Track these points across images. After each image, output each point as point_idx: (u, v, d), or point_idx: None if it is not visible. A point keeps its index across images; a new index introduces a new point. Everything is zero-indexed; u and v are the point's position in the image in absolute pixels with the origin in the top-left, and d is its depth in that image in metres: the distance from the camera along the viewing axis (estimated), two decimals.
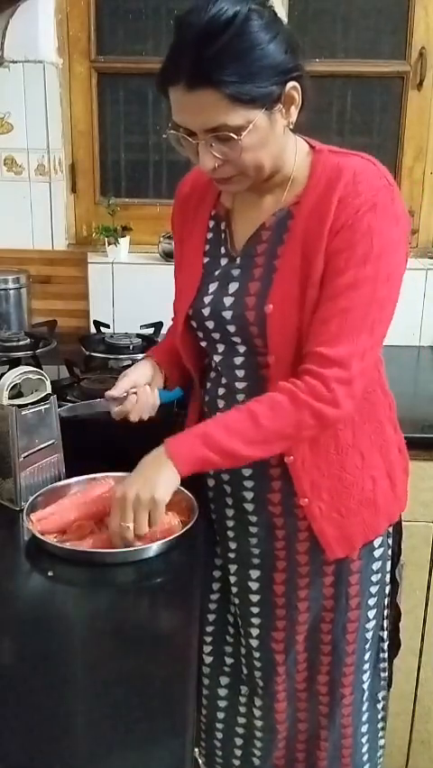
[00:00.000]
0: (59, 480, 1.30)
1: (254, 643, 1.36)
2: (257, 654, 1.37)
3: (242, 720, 1.46)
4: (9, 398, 1.24)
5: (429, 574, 1.71)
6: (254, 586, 1.33)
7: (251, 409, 1.10)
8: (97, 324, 2.10)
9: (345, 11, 2.15)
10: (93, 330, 2.12)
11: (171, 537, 1.13)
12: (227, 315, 1.19)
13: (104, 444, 1.36)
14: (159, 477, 1.09)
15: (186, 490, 1.24)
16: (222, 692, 1.46)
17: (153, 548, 1.11)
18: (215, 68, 0.99)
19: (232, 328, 1.20)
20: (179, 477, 1.10)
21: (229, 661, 1.44)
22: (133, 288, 2.19)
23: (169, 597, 1.06)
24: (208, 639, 1.44)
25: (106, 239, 2.21)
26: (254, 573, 1.32)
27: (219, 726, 1.48)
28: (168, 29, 2.21)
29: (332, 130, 2.23)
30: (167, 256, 2.17)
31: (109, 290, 2.22)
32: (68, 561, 1.11)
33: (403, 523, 1.37)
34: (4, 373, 1.29)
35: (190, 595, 1.06)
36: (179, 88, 1.03)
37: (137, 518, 1.08)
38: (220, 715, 1.48)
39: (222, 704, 1.47)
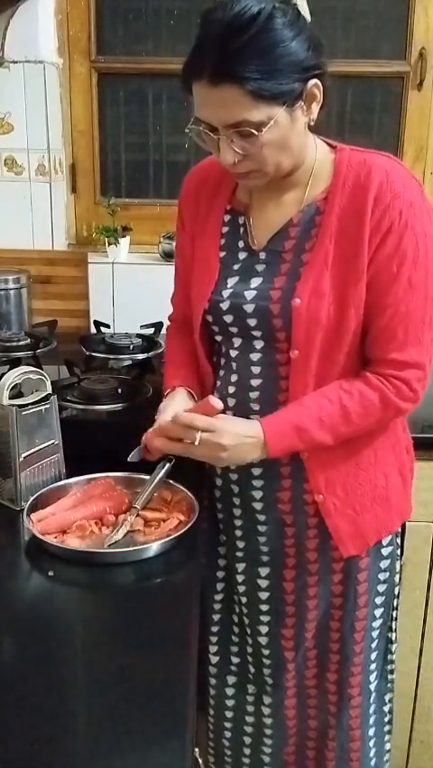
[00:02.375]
0: (59, 480, 1.30)
1: (263, 640, 1.36)
2: (266, 652, 1.37)
3: (250, 719, 1.46)
4: (9, 398, 1.24)
5: (429, 574, 1.70)
6: (263, 583, 1.33)
7: (344, 405, 1.15)
8: (97, 324, 2.10)
9: (346, 11, 2.15)
10: (93, 330, 2.12)
11: (171, 537, 1.13)
12: (249, 308, 1.19)
13: (104, 445, 1.36)
14: (244, 455, 1.14)
15: (186, 490, 1.24)
16: (229, 692, 1.46)
17: (153, 548, 1.11)
18: (238, 63, 1.00)
19: (252, 321, 1.19)
20: (263, 457, 1.16)
21: (235, 660, 1.44)
22: (133, 288, 2.19)
23: (169, 597, 1.06)
24: (214, 639, 1.44)
25: (106, 239, 2.21)
26: (263, 571, 1.32)
27: (228, 725, 1.48)
28: (168, 29, 2.21)
29: (332, 130, 2.22)
30: (167, 256, 2.17)
31: (109, 290, 2.22)
32: (68, 561, 1.11)
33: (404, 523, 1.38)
34: (5, 373, 1.29)
35: (190, 595, 1.06)
36: (203, 83, 1.03)
37: (203, 450, 1.12)
38: (228, 714, 1.47)
39: (230, 703, 1.47)
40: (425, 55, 2.14)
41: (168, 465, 1.23)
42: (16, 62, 2.10)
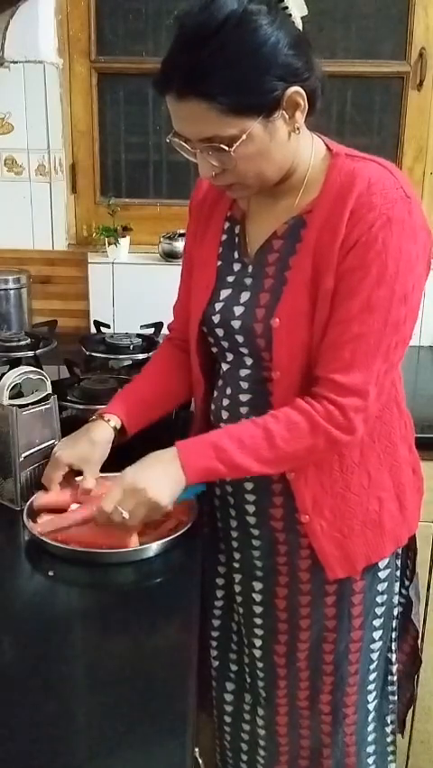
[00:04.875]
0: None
1: (257, 653, 1.34)
2: (260, 664, 1.35)
3: (246, 727, 1.44)
4: (9, 398, 1.24)
5: (429, 574, 1.70)
6: (258, 597, 1.30)
7: (268, 428, 1.07)
8: (98, 324, 2.10)
9: (346, 11, 2.15)
10: (93, 330, 2.12)
11: (171, 537, 1.13)
12: (236, 324, 1.16)
13: None
14: (167, 480, 1.07)
15: None
16: (228, 698, 1.45)
17: (153, 548, 1.11)
18: (203, 78, 0.96)
19: (240, 338, 1.17)
20: (184, 484, 1.08)
21: (234, 668, 1.43)
22: (133, 288, 2.19)
23: (169, 597, 1.06)
24: (214, 644, 1.43)
25: (107, 239, 2.21)
26: (257, 585, 1.30)
27: (227, 729, 1.47)
28: (168, 29, 2.20)
29: (332, 130, 2.22)
30: (167, 256, 2.17)
31: (109, 290, 2.22)
32: (68, 561, 1.11)
33: None
34: (5, 373, 1.29)
35: (190, 595, 1.06)
36: (171, 97, 1.00)
37: (134, 512, 1.06)
38: (228, 719, 1.46)
39: (228, 708, 1.46)
40: (425, 55, 2.14)
41: None
42: (16, 62, 2.09)
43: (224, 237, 1.23)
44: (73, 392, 1.58)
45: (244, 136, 1.00)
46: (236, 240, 1.21)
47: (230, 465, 1.07)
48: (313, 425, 1.07)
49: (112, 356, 1.89)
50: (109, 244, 2.21)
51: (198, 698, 1.48)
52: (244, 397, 1.20)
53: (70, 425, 1.33)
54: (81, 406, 1.53)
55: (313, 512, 1.18)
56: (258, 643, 1.34)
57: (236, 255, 1.20)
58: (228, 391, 1.22)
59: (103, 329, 2.08)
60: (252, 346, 1.16)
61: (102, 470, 1.26)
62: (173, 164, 2.28)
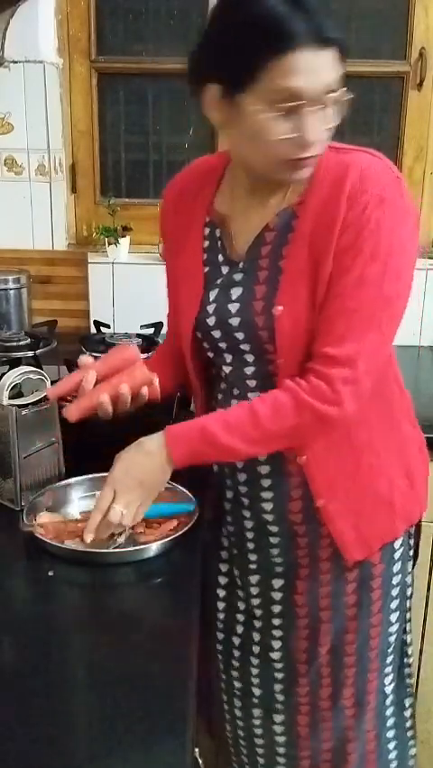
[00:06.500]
0: (60, 479, 1.30)
1: (276, 655, 1.33)
2: (278, 666, 1.33)
3: (259, 741, 1.41)
4: (9, 398, 1.24)
5: (429, 574, 1.70)
6: (277, 596, 1.29)
7: (253, 408, 1.09)
8: (97, 324, 2.10)
9: (346, 11, 2.15)
10: (93, 330, 2.12)
11: (171, 537, 1.13)
12: (234, 321, 1.16)
13: (104, 444, 1.36)
14: (153, 469, 1.10)
15: (186, 490, 1.24)
16: (238, 713, 1.42)
17: (153, 548, 1.11)
18: (334, 24, 0.99)
19: (240, 335, 1.17)
20: (171, 468, 1.10)
21: (238, 685, 1.40)
22: (133, 288, 2.19)
23: (169, 597, 1.06)
24: (219, 658, 1.40)
25: (107, 239, 2.21)
26: (277, 583, 1.29)
27: (243, 743, 1.44)
28: (168, 29, 2.21)
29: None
30: None
31: (109, 290, 2.22)
32: (68, 561, 1.11)
33: None
34: (5, 373, 1.29)
35: (190, 595, 1.05)
36: (308, 49, 0.96)
37: (129, 507, 1.09)
38: (241, 733, 1.43)
39: (240, 723, 1.43)
40: (425, 55, 2.14)
41: None
42: (16, 62, 2.10)
43: (206, 243, 1.22)
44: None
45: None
46: (219, 243, 1.21)
47: (217, 447, 1.08)
48: (298, 402, 1.07)
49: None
50: (109, 244, 2.21)
51: (207, 723, 1.46)
52: (253, 395, 1.19)
53: (70, 426, 1.32)
54: None
55: (328, 495, 1.19)
56: (276, 645, 1.32)
57: (221, 258, 1.20)
58: (235, 392, 1.22)
59: (103, 329, 2.08)
60: (254, 340, 1.16)
61: (101, 471, 1.26)
62: (173, 164, 2.28)
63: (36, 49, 2.09)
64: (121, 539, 1.14)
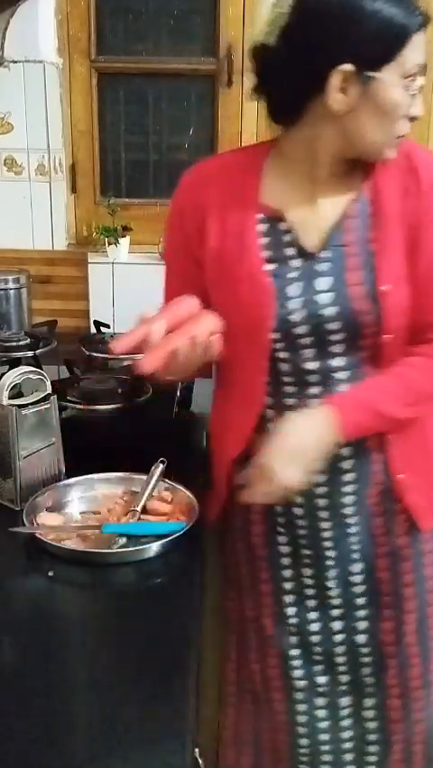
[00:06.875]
0: (59, 480, 1.30)
1: (362, 638, 1.32)
2: (366, 650, 1.32)
3: (347, 734, 1.39)
4: (9, 398, 1.24)
5: None
6: (357, 579, 1.29)
7: (401, 374, 1.17)
8: (97, 324, 2.10)
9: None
10: (93, 330, 2.12)
11: (172, 537, 1.13)
12: (329, 311, 1.13)
13: (104, 444, 1.36)
14: (319, 446, 1.14)
15: (186, 490, 1.24)
16: (321, 713, 1.38)
17: (153, 548, 1.11)
18: None
19: (335, 325, 1.14)
20: (337, 441, 1.15)
21: (321, 680, 1.36)
22: (133, 288, 2.19)
23: (169, 597, 1.06)
24: (297, 663, 1.36)
25: (107, 239, 2.21)
26: (356, 567, 1.28)
27: (325, 748, 1.40)
28: (168, 29, 2.21)
29: None
30: None
31: (109, 290, 2.22)
32: (68, 561, 1.11)
33: None
34: (4, 373, 1.29)
35: (190, 595, 1.06)
36: (422, 31, 1.06)
37: (288, 474, 1.12)
38: (324, 737, 1.39)
39: (323, 725, 1.39)
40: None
41: (162, 466, 1.24)
42: (16, 62, 2.10)
43: (265, 240, 1.16)
44: (73, 392, 1.59)
45: None
46: (285, 237, 1.16)
47: (384, 421, 1.17)
48: None
49: (112, 356, 1.89)
50: (109, 244, 2.21)
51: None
52: (343, 387, 1.18)
53: (70, 425, 1.33)
54: (81, 406, 1.53)
55: (405, 469, 1.24)
56: (362, 626, 1.31)
57: (291, 252, 1.16)
58: (317, 390, 1.19)
59: (103, 329, 2.08)
60: (352, 327, 1.14)
61: (101, 471, 1.26)
62: (173, 164, 2.29)
63: (36, 49, 2.09)
64: (122, 540, 1.14)
